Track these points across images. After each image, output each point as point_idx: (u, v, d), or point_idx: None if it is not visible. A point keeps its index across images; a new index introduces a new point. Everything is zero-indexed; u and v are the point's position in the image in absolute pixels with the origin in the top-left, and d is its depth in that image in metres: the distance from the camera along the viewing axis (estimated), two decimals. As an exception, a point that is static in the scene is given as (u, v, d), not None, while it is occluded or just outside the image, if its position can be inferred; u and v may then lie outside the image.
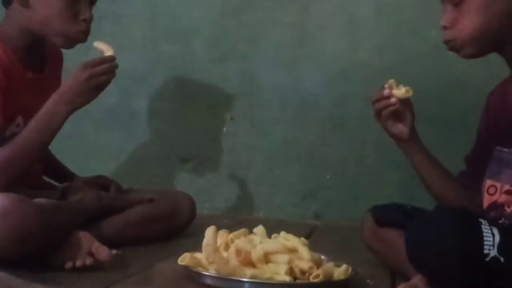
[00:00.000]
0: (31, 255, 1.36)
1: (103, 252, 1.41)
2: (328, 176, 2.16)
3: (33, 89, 1.59)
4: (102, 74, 1.49)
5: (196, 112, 2.26)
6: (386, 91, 1.42)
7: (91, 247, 1.41)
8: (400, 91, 1.43)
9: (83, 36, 1.58)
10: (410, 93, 1.43)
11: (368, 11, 2.09)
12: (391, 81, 1.44)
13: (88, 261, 1.39)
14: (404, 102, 1.43)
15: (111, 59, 1.52)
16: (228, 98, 2.23)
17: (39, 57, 1.64)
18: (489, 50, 1.35)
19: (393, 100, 1.42)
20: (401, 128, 1.45)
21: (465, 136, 1.96)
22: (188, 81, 2.26)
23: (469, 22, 1.29)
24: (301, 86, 2.17)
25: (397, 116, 1.44)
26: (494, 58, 1.42)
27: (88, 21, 1.56)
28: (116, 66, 1.52)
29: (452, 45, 1.33)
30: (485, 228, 1.08)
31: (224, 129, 2.25)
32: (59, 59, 1.74)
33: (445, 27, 1.32)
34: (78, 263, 1.39)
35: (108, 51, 1.54)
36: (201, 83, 2.25)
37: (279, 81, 2.18)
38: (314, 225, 2.06)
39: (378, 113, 1.45)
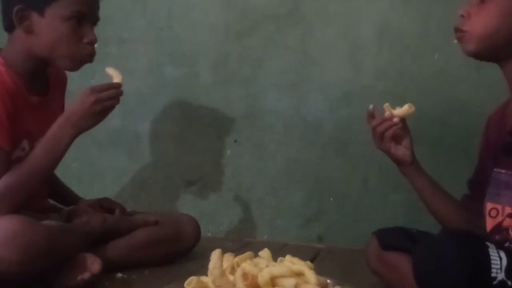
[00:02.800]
0: (36, 277, 1.37)
1: (94, 265, 1.42)
2: (331, 199, 2.16)
3: (38, 113, 1.60)
4: (108, 99, 1.51)
5: (200, 135, 2.28)
6: (386, 113, 1.44)
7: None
8: (402, 109, 1.45)
9: (90, 57, 1.59)
10: (413, 108, 1.45)
11: (371, 36, 2.11)
12: (386, 105, 1.46)
13: (86, 275, 1.41)
14: (403, 123, 1.45)
15: (118, 85, 1.54)
16: (231, 121, 2.24)
17: (43, 80, 1.66)
18: (490, 55, 1.35)
19: (395, 120, 1.43)
20: (404, 151, 1.46)
21: (467, 160, 1.97)
22: (192, 104, 2.28)
23: (484, 20, 1.30)
24: (304, 109, 2.18)
25: (397, 139, 1.46)
26: (496, 83, 1.44)
27: (93, 43, 1.58)
28: (121, 93, 1.54)
29: (461, 36, 1.33)
30: (492, 251, 1.08)
31: (228, 152, 2.26)
32: (63, 82, 1.76)
33: (462, 16, 1.33)
34: (78, 278, 1.41)
35: (116, 78, 1.57)
36: (205, 106, 2.26)
37: (282, 104, 2.20)
38: (318, 248, 2.06)
39: (380, 137, 1.46)
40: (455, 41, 1.36)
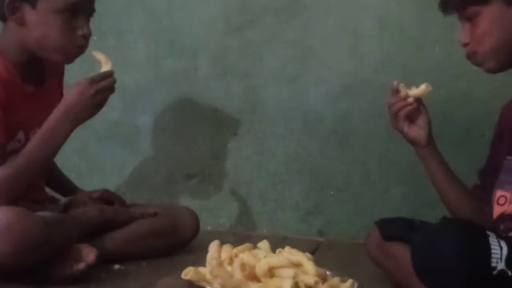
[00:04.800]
0: (31, 268, 1.36)
1: (89, 255, 1.41)
2: (331, 193, 2.15)
3: (34, 103, 1.58)
4: (106, 89, 1.50)
5: (200, 128, 2.26)
6: (402, 92, 1.43)
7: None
8: (418, 89, 1.44)
9: (81, 50, 1.57)
10: (430, 88, 1.44)
11: (372, 27, 2.10)
12: (402, 84, 1.45)
13: (81, 265, 1.40)
14: (418, 103, 1.44)
15: (111, 73, 1.52)
16: (231, 114, 2.23)
17: (39, 70, 1.63)
18: None
19: (410, 99, 1.42)
20: (418, 131, 1.45)
21: (467, 152, 1.97)
22: (191, 97, 2.26)
23: (485, 36, 1.31)
24: (305, 102, 2.16)
25: (412, 118, 1.44)
26: (496, 76, 1.43)
27: (87, 36, 1.55)
28: (115, 81, 1.52)
29: (474, 59, 1.34)
30: (493, 240, 1.07)
31: (228, 145, 2.24)
32: (59, 71, 1.73)
33: (464, 44, 1.33)
34: (74, 268, 1.40)
35: (106, 64, 1.54)
36: (204, 99, 2.25)
37: (282, 97, 2.18)
38: (318, 242, 2.05)
39: (395, 116, 1.44)
40: (474, 67, 1.36)
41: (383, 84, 2.04)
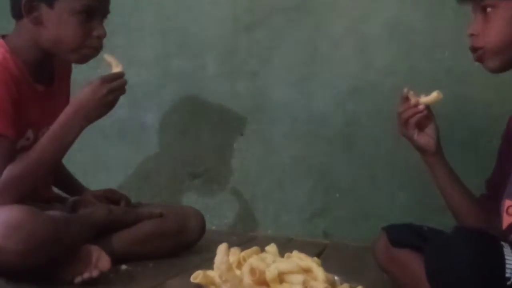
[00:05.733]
0: (40, 269, 1.36)
1: (103, 262, 1.41)
2: (337, 195, 2.15)
3: (43, 102, 1.58)
4: (118, 89, 1.50)
5: (206, 127, 2.26)
6: (413, 100, 1.42)
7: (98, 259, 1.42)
8: (430, 97, 1.43)
9: (96, 52, 1.57)
10: (441, 96, 1.44)
11: (381, 31, 2.09)
12: (411, 93, 1.45)
13: (95, 273, 1.40)
14: (428, 111, 1.44)
15: (123, 74, 1.53)
16: (238, 114, 2.22)
17: (49, 69, 1.63)
18: None
19: (421, 107, 1.42)
20: (427, 139, 1.44)
21: (475, 159, 1.97)
22: (198, 96, 2.26)
23: (495, 32, 1.28)
24: (312, 103, 2.16)
25: (421, 126, 1.44)
26: (505, 82, 1.42)
27: (102, 37, 1.56)
28: (126, 83, 1.53)
29: (479, 54, 1.32)
30: (507, 251, 1.07)
31: (234, 145, 2.24)
32: (68, 70, 1.74)
33: (472, 35, 1.32)
34: (86, 275, 1.40)
35: (117, 66, 1.55)
36: (211, 98, 2.24)
37: (289, 98, 2.18)
38: (324, 244, 2.04)
39: (405, 123, 1.44)
40: (476, 63, 1.34)
41: (391, 88, 2.05)
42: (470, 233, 1.13)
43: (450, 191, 1.45)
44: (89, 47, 1.55)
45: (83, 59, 1.58)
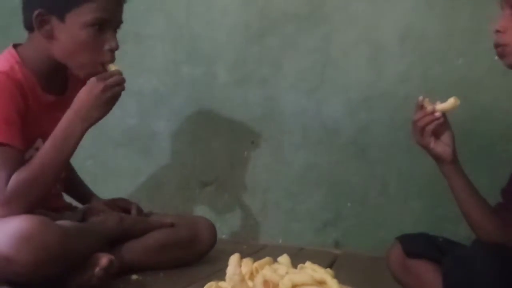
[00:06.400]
0: (50, 277, 1.35)
1: (103, 259, 1.41)
2: (349, 204, 2.13)
3: (54, 112, 1.56)
4: (116, 85, 1.48)
5: (217, 135, 2.25)
6: (429, 107, 1.40)
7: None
8: (446, 103, 1.41)
9: (106, 67, 1.54)
10: (458, 102, 1.41)
11: (393, 39, 2.07)
12: (426, 100, 1.42)
13: (96, 271, 1.39)
14: (444, 118, 1.41)
15: (118, 71, 1.51)
16: (249, 122, 2.21)
17: (61, 79, 1.62)
18: None
19: (437, 114, 1.39)
20: (443, 147, 1.42)
21: (490, 167, 1.94)
22: (209, 104, 2.25)
23: None
24: (323, 112, 2.14)
25: (437, 134, 1.42)
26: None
27: (114, 50, 1.53)
28: (125, 80, 1.50)
29: (502, 50, 1.29)
30: (527, 266, 1.05)
31: (245, 153, 2.22)
32: (82, 80, 1.72)
33: (497, 31, 1.30)
34: (89, 275, 1.40)
35: (113, 65, 1.53)
36: (222, 106, 2.23)
37: (301, 106, 2.16)
38: (335, 254, 2.02)
39: (421, 132, 1.41)
40: (496, 57, 1.32)
41: (403, 97, 2.04)
42: (491, 249, 1.11)
43: (466, 200, 1.42)
44: (100, 64, 1.52)
45: (90, 76, 1.53)
